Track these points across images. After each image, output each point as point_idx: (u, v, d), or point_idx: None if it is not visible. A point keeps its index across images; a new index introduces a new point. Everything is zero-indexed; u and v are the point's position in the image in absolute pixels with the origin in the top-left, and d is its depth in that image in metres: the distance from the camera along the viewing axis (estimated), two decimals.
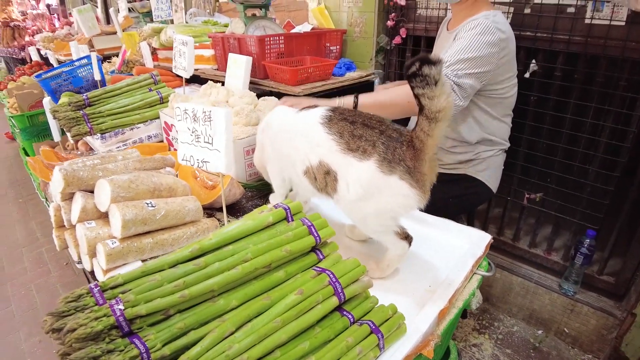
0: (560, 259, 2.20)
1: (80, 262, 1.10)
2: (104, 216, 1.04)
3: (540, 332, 2.26)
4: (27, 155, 3.07)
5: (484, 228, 2.43)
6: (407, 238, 0.98)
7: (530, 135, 2.04)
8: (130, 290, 0.69)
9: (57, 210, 1.13)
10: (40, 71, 3.43)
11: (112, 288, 0.70)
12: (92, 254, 1.01)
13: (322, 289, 0.74)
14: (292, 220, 0.87)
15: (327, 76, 2.00)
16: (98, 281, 0.72)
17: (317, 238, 0.83)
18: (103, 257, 0.94)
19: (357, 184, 0.90)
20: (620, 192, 1.87)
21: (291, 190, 1.23)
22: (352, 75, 2.13)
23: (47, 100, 2.14)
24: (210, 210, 1.32)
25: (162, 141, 1.87)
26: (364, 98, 1.44)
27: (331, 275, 0.77)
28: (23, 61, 6.33)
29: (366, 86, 2.22)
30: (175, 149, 1.73)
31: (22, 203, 3.99)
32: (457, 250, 1.15)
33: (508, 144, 1.69)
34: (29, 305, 2.61)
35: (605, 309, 1.97)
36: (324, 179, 0.97)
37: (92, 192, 1.07)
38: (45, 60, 4.99)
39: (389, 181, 0.88)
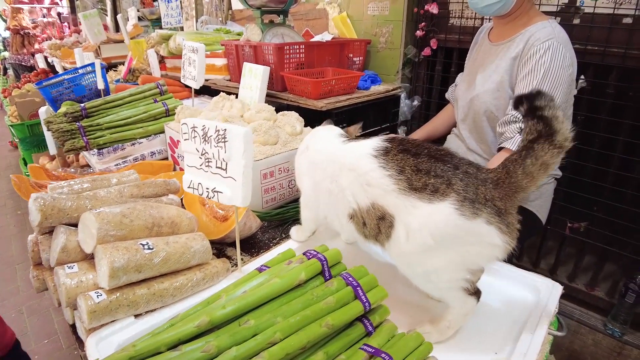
0: (605, 295, 1.97)
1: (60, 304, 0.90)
2: (90, 257, 0.84)
3: None
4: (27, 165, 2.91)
5: (518, 259, 2.20)
6: (476, 293, 0.77)
7: (576, 159, 1.82)
8: None
9: (35, 245, 0.93)
10: (43, 78, 3.29)
11: None
12: (75, 306, 0.81)
13: None
14: (330, 276, 0.66)
15: (352, 89, 1.81)
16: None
17: (366, 304, 0.62)
18: (85, 314, 0.73)
19: (425, 231, 0.69)
20: None
21: None
22: (377, 89, 1.93)
23: (43, 110, 1.96)
24: (220, 245, 1.12)
25: (166, 158, 1.68)
26: None
27: None
28: (32, 69, 6.26)
29: (392, 101, 2.03)
30: (181, 168, 1.54)
31: (21, 215, 3.82)
32: (523, 305, 0.93)
33: (561, 173, 1.49)
34: (19, 331, 2.40)
35: None
36: (377, 226, 0.76)
37: (77, 225, 0.87)
38: (52, 68, 4.88)
39: (472, 227, 0.67)
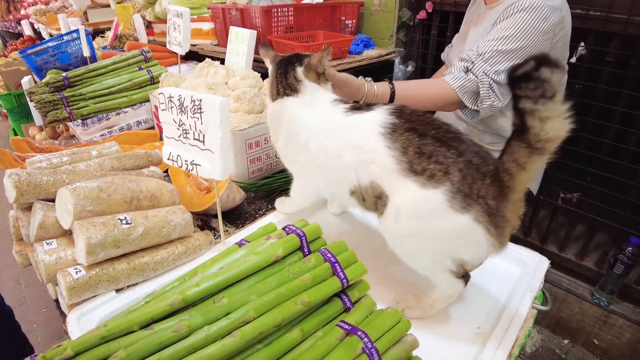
0: (594, 265, 1.99)
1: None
2: (69, 232, 0.83)
3: (566, 342, 2.09)
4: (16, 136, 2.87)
5: None
6: (464, 276, 0.76)
7: (571, 129, 1.79)
8: None
9: (16, 221, 0.92)
10: (27, 46, 3.19)
11: None
12: (56, 282, 0.80)
13: None
14: (309, 252, 0.65)
15: (343, 54, 1.75)
16: (39, 354, 0.50)
17: (344, 280, 0.61)
18: (65, 291, 0.73)
19: (413, 216, 0.68)
20: None
21: None
22: (370, 54, 1.87)
23: (26, 80, 1.90)
24: (205, 216, 1.10)
25: (152, 127, 1.64)
26: (400, 90, 1.18)
27: (365, 339, 0.55)
28: (19, 36, 6.06)
29: (386, 66, 1.97)
30: None
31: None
32: (508, 279, 0.92)
33: None
34: (17, 300, 2.44)
35: None
36: (374, 203, 0.75)
37: (54, 200, 0.85)
38: (38, 34, 4.72)
39: (458, 221, 0.65)
